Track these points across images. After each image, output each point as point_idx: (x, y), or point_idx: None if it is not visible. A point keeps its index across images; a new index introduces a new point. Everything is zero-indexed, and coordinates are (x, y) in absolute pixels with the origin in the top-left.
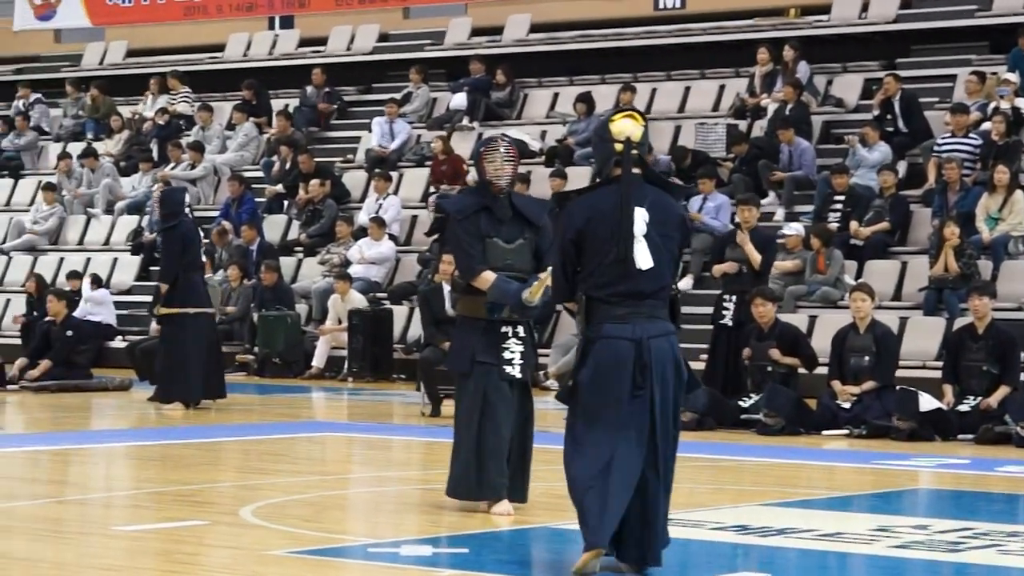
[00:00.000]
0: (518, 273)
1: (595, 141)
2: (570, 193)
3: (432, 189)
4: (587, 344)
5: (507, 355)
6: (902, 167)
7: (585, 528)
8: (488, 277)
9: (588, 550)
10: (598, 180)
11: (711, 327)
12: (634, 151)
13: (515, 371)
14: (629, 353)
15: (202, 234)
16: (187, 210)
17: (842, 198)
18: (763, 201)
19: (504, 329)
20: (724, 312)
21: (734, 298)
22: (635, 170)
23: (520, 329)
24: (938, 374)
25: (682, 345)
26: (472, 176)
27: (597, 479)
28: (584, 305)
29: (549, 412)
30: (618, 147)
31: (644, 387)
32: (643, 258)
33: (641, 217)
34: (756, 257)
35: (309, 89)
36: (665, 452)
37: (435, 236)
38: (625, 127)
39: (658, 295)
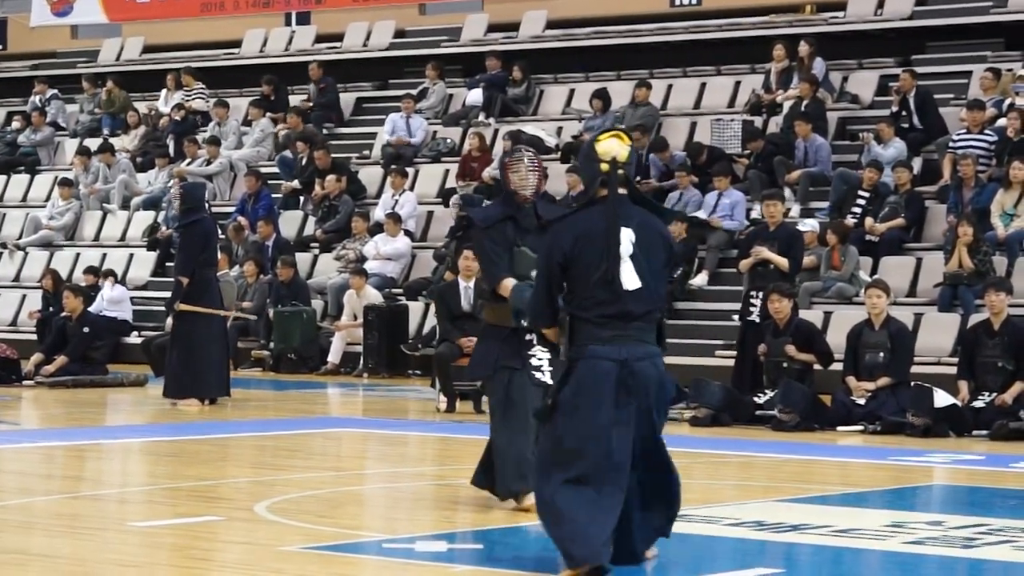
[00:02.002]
0: None
1: (582, 161)
2: (554, 221)
3: (460, 183)
4: (570, 364)
5: (535, 361)
6: (917, 163)
7: (571, 544)
8: (508, 284)
9: (577, 566)
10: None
11: (728, 323)
12: (620, 171)
13: (545, 377)
14: (612, 373)
15: (219, 231)
16: (207, 206)
17: (866, 194)
18: None
19: (529, 337)
20: (751, 308)
21: (761, 294)
22: (621, 190)
23: None
24: (953, 370)
25: (699, 340)
26: (487, 173)
27: (578, 500)
28: (568, 325)
29: None
30: (604, 167)
31: (625, 407)
32: (629, 279)
33: (627, 237)
34: (782, 262)
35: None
36: (649, 471)
37: (456, 234)
38: (611, 147)
39: (645, 318)
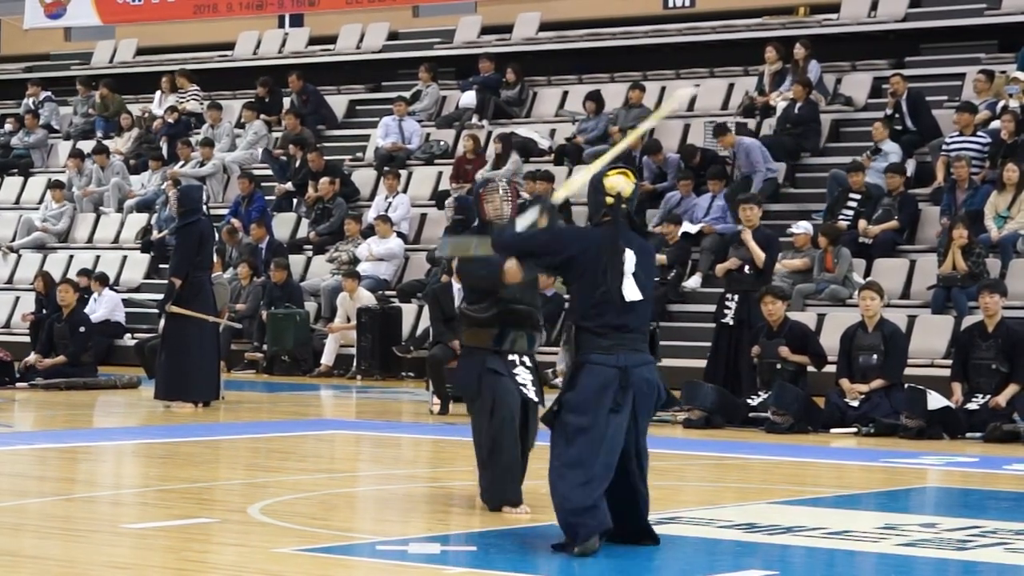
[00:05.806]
0: (526, 306)
1: (589, 190)
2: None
3: (454, 185)
4: (576, 369)
5: (519, 379)
6: (910, 165)
7: (577, 530)
8: (511, 264)
9: (583, 540)
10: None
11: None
12: (623, 206)
13: (531, 394)
14: (614, 378)
15: (215, 233)
16: (204, 208)
17: (858, 196)
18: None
19: (511, 358)
20: (726, 311)
21: (736, 297)
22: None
23: (526, 359)
24: (946, 372)
25: (689, 343)
26: (482, 174)
27: (585, 494)
28: (573, 335)
29: None
30: (609, 200)
31: (623, 405)
32: (632, 292)
33: (630, 258)
34: (760, 255)
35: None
36: (640, 463)
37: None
38: (617, 183)
39: (641, 330)
